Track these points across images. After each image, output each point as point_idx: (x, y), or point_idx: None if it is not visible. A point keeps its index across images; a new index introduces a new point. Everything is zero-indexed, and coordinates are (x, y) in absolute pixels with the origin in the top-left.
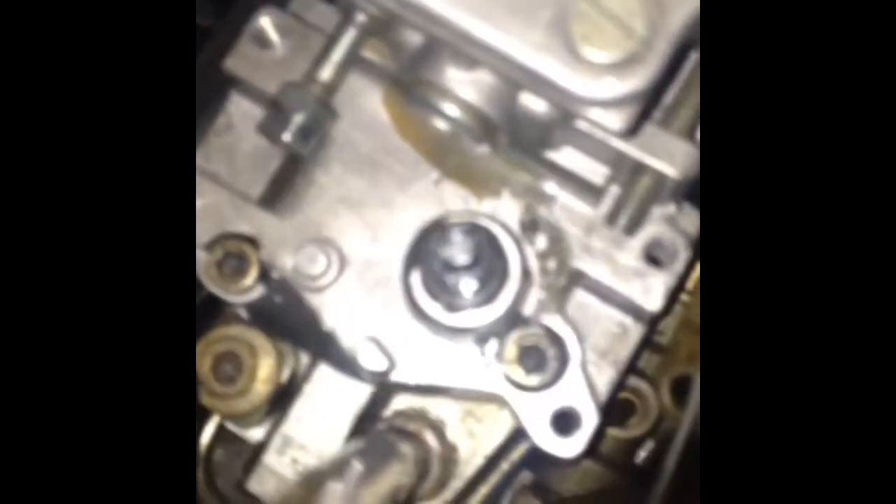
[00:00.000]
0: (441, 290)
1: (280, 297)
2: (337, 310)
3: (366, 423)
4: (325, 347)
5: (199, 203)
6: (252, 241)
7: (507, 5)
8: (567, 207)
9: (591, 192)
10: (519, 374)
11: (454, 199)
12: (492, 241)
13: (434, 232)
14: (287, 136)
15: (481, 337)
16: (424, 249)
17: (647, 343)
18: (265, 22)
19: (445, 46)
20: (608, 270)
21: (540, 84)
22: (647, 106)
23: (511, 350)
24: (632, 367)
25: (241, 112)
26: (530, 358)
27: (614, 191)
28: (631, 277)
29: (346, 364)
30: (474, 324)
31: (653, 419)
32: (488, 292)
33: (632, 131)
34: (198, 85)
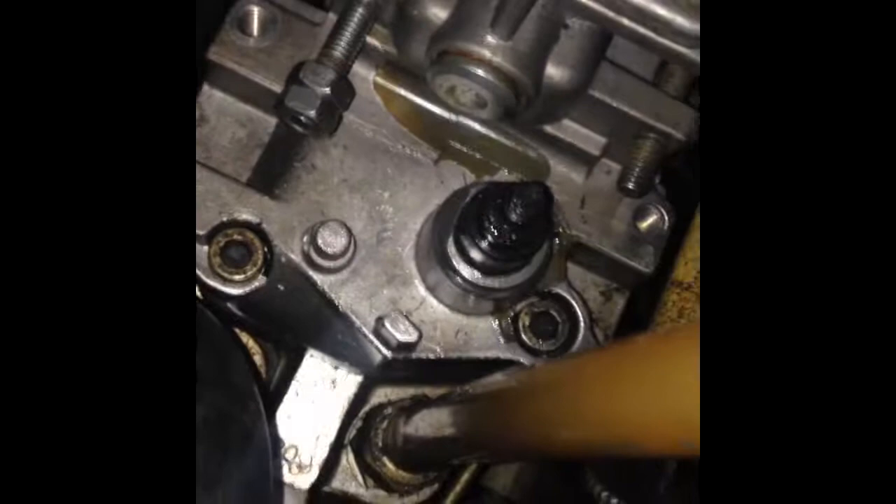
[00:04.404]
0: (478, 252)
1: (284, 284)
2: (351, 290)
3: (353, 416)
4: (323, 336)
5: (197, 190)
6: (256, 228)
7: None
8: (562, 178)
9: (585, 162)
10: (533, 341)
11: (454, 178)
12: (547, 203)
13: (490, 192)
14: (311, 113)
15: (497, 307)
16: (471, 211)
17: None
18: (248, 10)
19: (485, 14)
20: (603, 237)
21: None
22: None
23: (525, 318)
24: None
25: (214, 104)
26: (543, 325)
27: (614, 158)
28: (624, 243)
29: (344, 352)
30: (508, 284)
31: None
32: (524, 254)
33: None
34: None
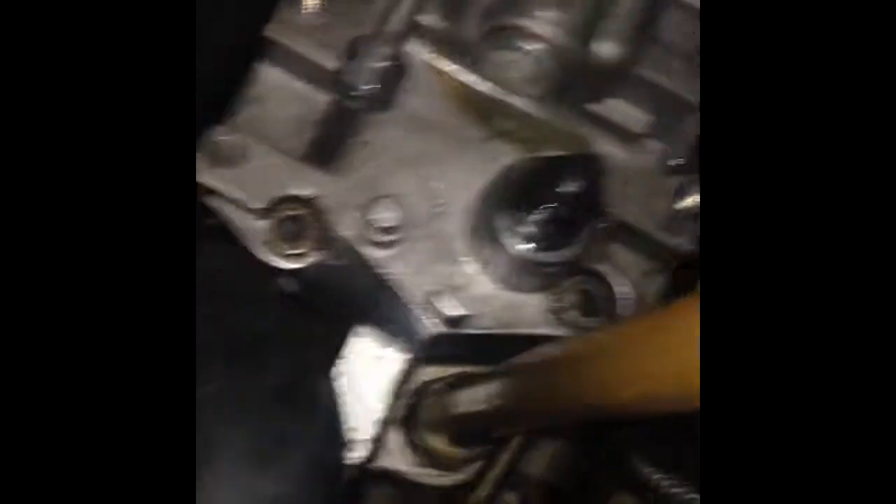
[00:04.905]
0: (530, 226)
1: (337, 260)
2: (402, 266)
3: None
4: (373, 313)
5: (248, 167)
6: (311, 203)
7: None
8: (606, 156)
9: (629, 141)
10: (579, 318)
11: (502, 155)
12: (600, 174)
13: (543, 164)
14: (367, 88)
15: (545, 284)
16: (523, 182)
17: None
18: None
19: None
20: (645, 217)
21: None
22: None
23: (571, 295)
24: None
25: (271, 82)
26: (588, 303)
27: (657, 137)
28: (666, 222)
29: (393, 329)
30: (558, 259)
31: None
32: (577, 227)
33: None
34: None
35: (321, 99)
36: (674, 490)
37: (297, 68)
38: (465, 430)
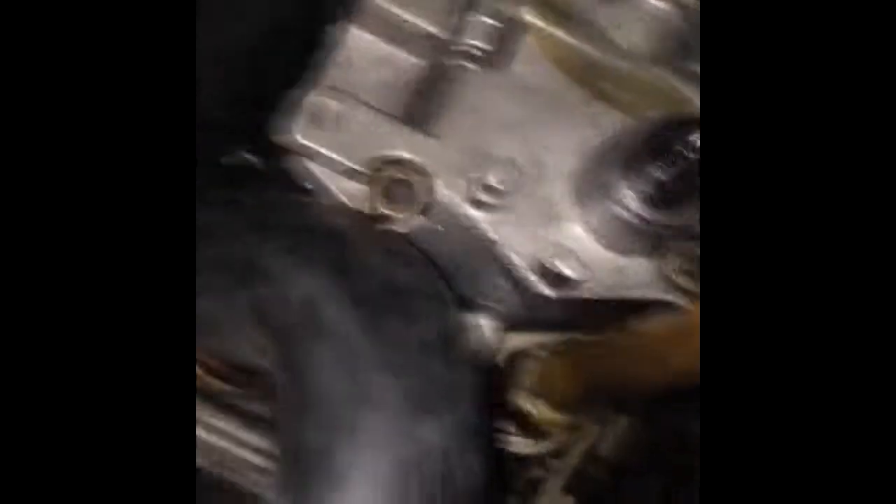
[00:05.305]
0: (650, 184)
1: (443, 224)
2: (510, 229)
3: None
4: (476, 279)
5: (348, 127)
6: (416, 167)
7: None
8: None
9: None
10: (689, 284)
11: (606, 119)
12: None
13: (670, 120)
14: (488, 45)
15: (655, 248)
16: (649, 138)
17: None
18: None
19: None
20: None
21: None
22: None
23: (681, 260)
24: None
25: (361, 46)
26: (697, 269)
27: None
28: None
29: (494, 295)
30: (673, 221)
31: None
32: (696, 187)
33: None
34: None
35: (414, 62)
36: None
37: (390, 32)
38: (575, 396)
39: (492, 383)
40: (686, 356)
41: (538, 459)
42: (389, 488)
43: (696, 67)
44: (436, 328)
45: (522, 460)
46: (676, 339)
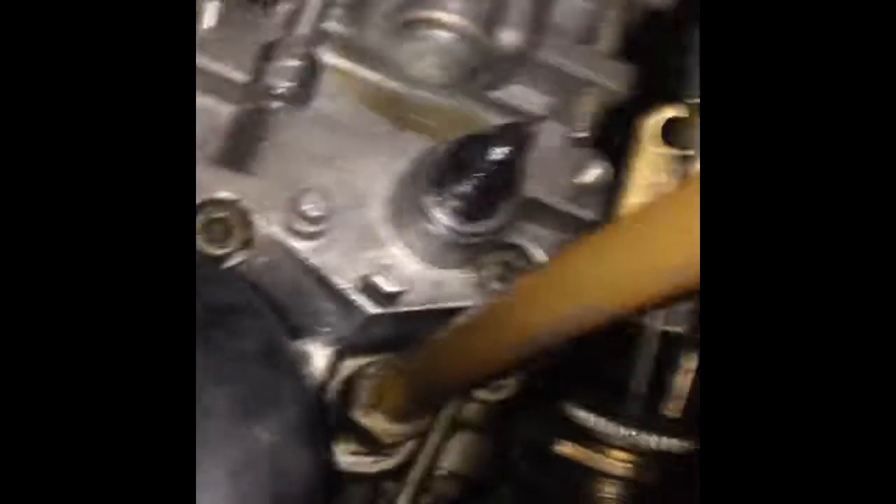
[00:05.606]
0: (457, 198)
1: (264, 257)
2: (331, 255)
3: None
4: (301, 307)
5: None
6: (234, 205)
7: None
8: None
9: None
10: (500, 290)
11: (414, 146)
12: (528, 139)
13: (470, 136)
14: (289, 85)
15: (469, 259)
16: (450, 155)
17: None
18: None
19: None
20: (551, 192)
21: None
22: None
23: (494, 268)
24: None
25: None
26: (509, 274)
27: (557, 117)
28: (572, 195)
29: (322, 320)
30: (484, 229)
31: None
32: (505, 193)
33: None
34: None
35: (225, 110)
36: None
37: (202, 83)
38: (414, 401)
39: (318, 386)
40: (486, 344)
41: (385, 475)
42: (224, 489)
43: (494, 94)
44: (258, 340)
45: (370, 478)
46: (477, 328)
